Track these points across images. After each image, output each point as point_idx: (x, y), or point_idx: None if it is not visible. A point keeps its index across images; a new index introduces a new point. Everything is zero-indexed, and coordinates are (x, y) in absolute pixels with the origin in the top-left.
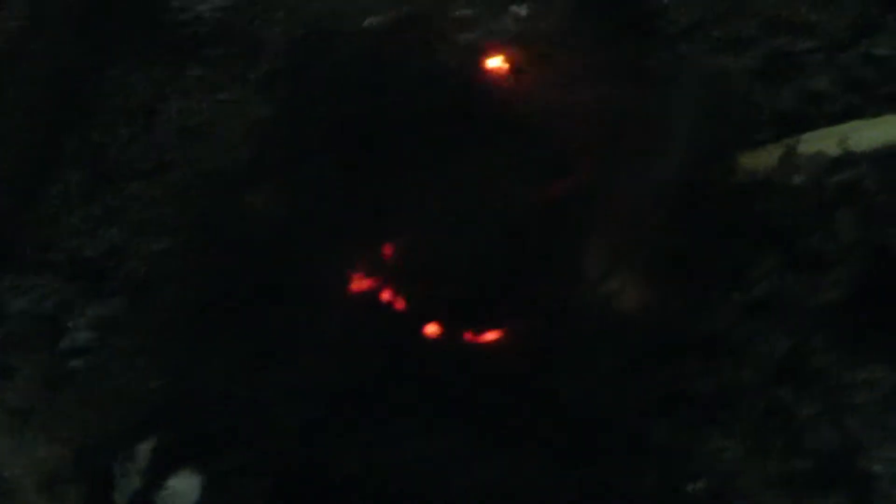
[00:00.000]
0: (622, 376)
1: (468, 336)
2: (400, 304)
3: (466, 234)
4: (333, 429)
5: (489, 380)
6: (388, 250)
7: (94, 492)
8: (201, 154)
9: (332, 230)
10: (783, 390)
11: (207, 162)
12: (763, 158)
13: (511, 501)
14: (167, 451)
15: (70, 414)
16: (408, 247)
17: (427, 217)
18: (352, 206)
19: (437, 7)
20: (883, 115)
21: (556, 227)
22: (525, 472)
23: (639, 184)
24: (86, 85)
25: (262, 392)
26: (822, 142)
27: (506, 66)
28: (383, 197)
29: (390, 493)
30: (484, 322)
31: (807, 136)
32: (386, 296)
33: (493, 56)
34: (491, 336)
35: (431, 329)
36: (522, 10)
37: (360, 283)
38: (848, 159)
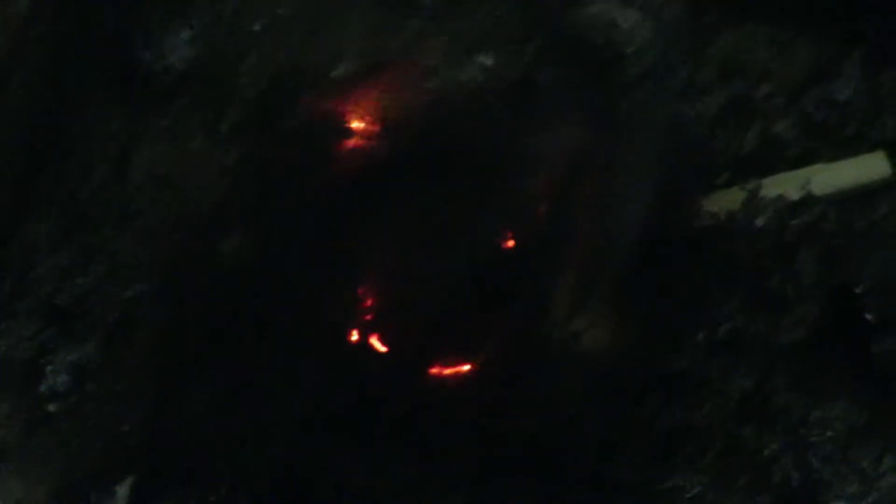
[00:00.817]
0: (583, 413)
1: (437, 371)
2: (371, 343)
3: (435, 274)
4: (307, 466)
5: (456, 414)
6: (358, 291)
7: None
8: (171, 201)
9: (302, 275)
10: (746, 428)
11: (177, 209)
12: (726, 201)
13: None
14: (145, 491)
15: (47, 457)
16: (378, 287)
17: (396, 259)
18: (321, 250)
19: (404, 55)
20: (842, 159)
21: (521, 268)
22: (494, 500)
23: (603, 226)
24: (56, 133)
25: (235, 433)
26: (783, 185)
27: (471, 113)
28: (352, 241)
29: None
30: (452, 357)
31: (768, 179)
32: (357, 335)
33: (459, 104)
34: (458, 371)
35: (402, 365)
36: (488, 60)
37: (331, 324)
38: (809, 202)
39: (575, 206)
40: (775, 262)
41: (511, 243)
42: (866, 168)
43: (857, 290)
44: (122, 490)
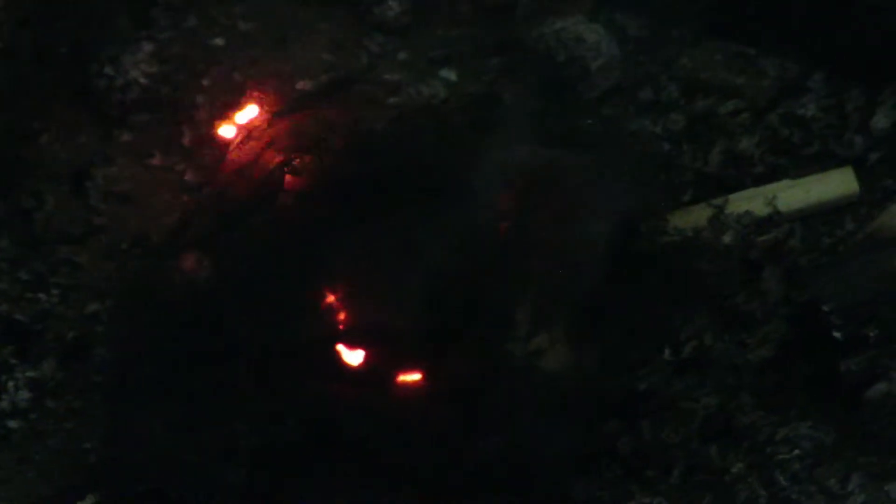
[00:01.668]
0: (547, 433)
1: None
2: (331, 363)
3: (398, 291)
4: (262, 485)
5: (417, 435)
6: (319, 310)
7: None
8: (130, 219)
9: (261, 294)
10: (711, 447)
11: (136, 227)
12: (692, 218)
13: None
14: None
15: (7, 476)
16: (339, 305)
17: (358, 276)
18: (281, 269)
19: (368, 71)
20: (808, 176)
21: (483, 284)
22: None
23: (567, 243)
24: (13, 151)
25: (191, 456)
26: (749, 202)
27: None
28: (313, 259)
29: None
30: (413, 375)
31: (734, 196)
32: (317, 355)
33: (423, 120)
34: (420, 390)
35: (363, 384)
36: (452, 75)
37: (290, 344)
38: (775, 219)
39: (538, 223)
40: (741, 280)
41: (473, 259)
42: (833, 184)
43: (825, 308)
44: None
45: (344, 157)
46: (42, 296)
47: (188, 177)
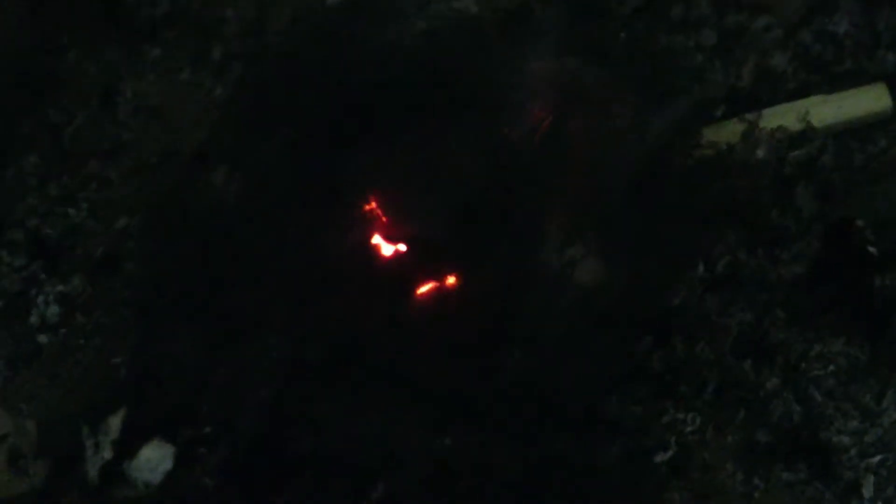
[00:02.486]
0: (576, 350)
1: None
2: (362, 277)
3: (432, 202)
4: (291, 402)
5: (443, 354)
6: (351, 224)
7: (61, 465)
8: (158, 134)
9: (290, 207)
10: (745, 363)
11: (165, 142)
12: (725, 133)
13: (467, 475)
14: (137, 423)
15: (37, 390)
16: (373, 218)
17: (392, 188)
18: (312, 182)
19: None
20: (840, 92)
21: (517, 195)
22: (480, 445)
23: (600, 157)
24: (42, 67)
25: (222, 367)
26: (782, 117)
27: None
28: (345, 172)
29: (346, 465)
30: (446, 285)
31: (767, 111)
32: (346, 267)
33: (454, 32)
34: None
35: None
36: None
37: (321, 259)
38: (808, 134)
39: (571, 136)
40: (775, 195)
41: (506, 171)
42: (866, 100)
43: (859, 224)
44: (115, 422)
45: (373, 69)
46: (71, 211)
47: (217, 91)
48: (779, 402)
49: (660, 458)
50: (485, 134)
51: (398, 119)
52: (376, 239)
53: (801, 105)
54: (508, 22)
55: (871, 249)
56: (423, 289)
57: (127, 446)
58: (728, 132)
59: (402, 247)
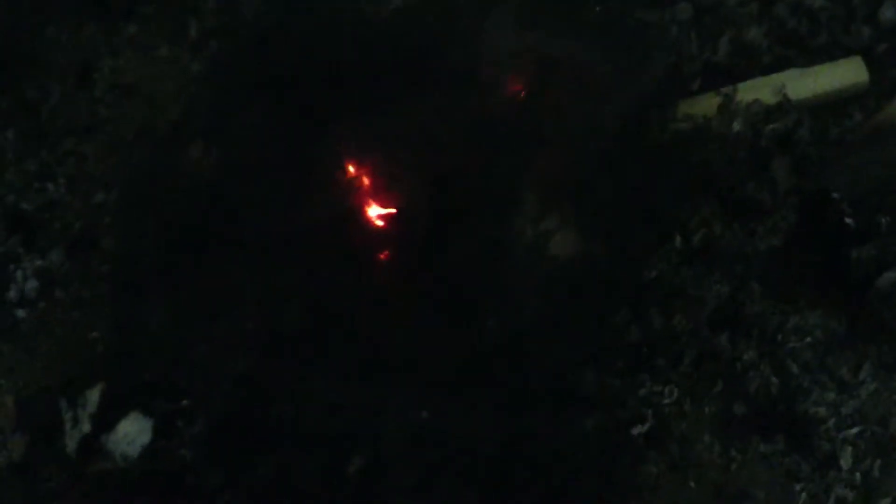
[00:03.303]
0: (552, 322)
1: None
2: (336, 249)
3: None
4: (268, 374)
5: (419, 326)
6: (325, 198)
7: (39, 440)
8: (135, 111)
9: (265, 180)
10: (721, 336)
11: (142, 118)
12: (701, 106)
13: (446, 441)
14: (115, 396)
15: (15, 364)
16: (346, 193)
17: (366, 162)
18: (287, 158)
19: None
20: (816, 66)
21: (492, 165)
22: (457, 417)
23: (576, 128)
24: (20, 45)
25: (199, 340)
26: (758, 91)
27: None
28: (320, 147)
29: (323, 437)
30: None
31: (743, 85)
32: (321, 240)
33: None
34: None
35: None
36: None
37: (294, 233)
38: (784, 107)
39: (546, 108)
40: (750, 169)
41: (482, 143)
42: (842, 73)
43: (835, 196)
44: (93, 396)
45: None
46: (49, 186)
47: (194, 68)
48: (756, 374)
49: (637, 430)
50: (460, 106)
51: (373, 92)
52: (352, 210)
53: (776, 79)
54: None
55: (848, 221)
56: (399, 259)
57: (105, 420)
58: (704, 106)
59: (379, 218)
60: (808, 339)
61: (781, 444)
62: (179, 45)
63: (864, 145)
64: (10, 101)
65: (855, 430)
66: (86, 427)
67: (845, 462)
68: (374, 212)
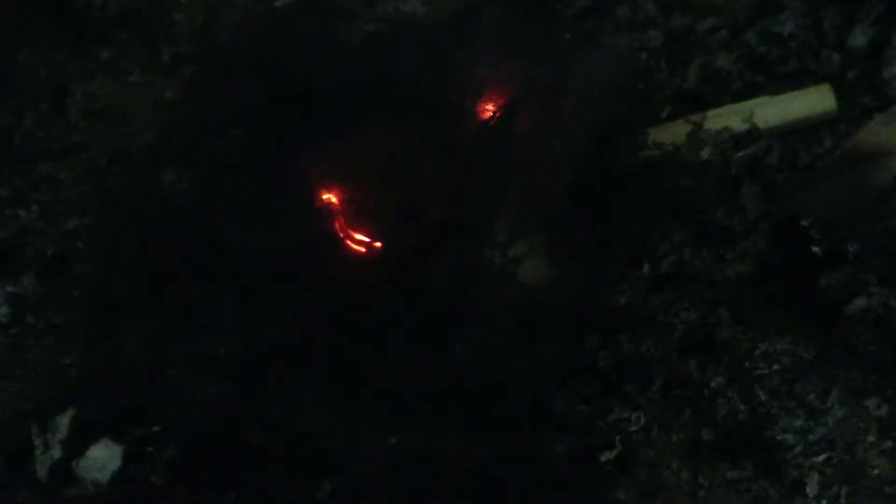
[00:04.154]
0: (522, 347)
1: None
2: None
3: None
4: (239, 409)
5: (391, 347)
6: (298, 224)
7: (11, 464)
8: (109, 136)
9: (239, 204)
10: (690, 362)
11: (115, 143)
12: (670, 133)
13: (416, 466)
14: (86, 422)
15: None
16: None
17: (339, 187)
18: (260, 183)
19: None
20: (785, 93)
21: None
22: (429, 437)
23: (544, 155)
24: None
25: (171, 365)
26: (727, 118)
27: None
28: (293, 172)
29: (296, 459)
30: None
31: (713, 112)
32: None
33: (401, 34)
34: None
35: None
36: None
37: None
38: (753, 135)
39: (517, 135)
40: (720, 196)
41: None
42: (811, 101)
43: (804, 223)
44: (63, 421)
45: (322, 70)
46: (22, 212)
47: (167, 93)
48: (724, 400)
49: (605, 456)
50: (431, 132)
51: (346, 118)
52: (326, 235)
53: (746, 106)
54: (455, 23)
55: (816, 249)
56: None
57: (76, 445)
58: (673, 133)
59: (351, 243)
60: (776, 366)
61: (749, 471)
62: (152, 71)
63: (835, 172)
64: None
65: (822, 457)
66: (56, 453)
67: (812, 489)
68: (347, 237)
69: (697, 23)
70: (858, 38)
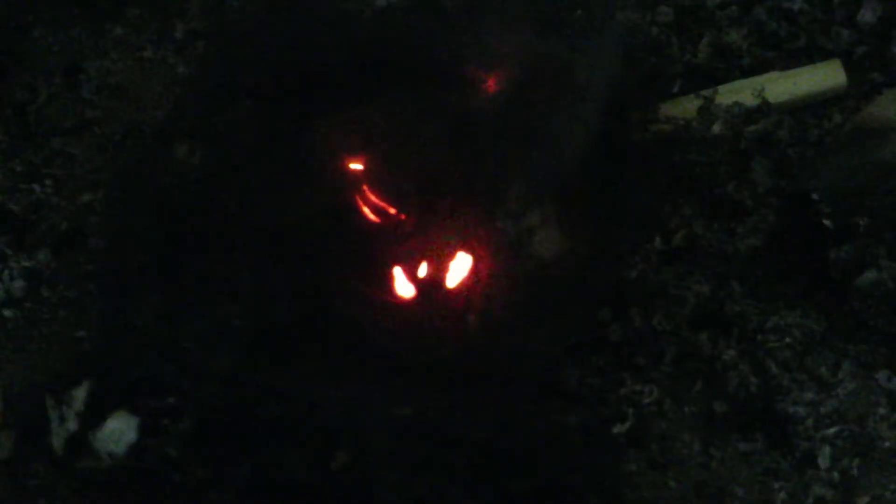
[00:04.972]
0: (533, 319)
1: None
2: (323, 249)
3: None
4: (252, 381)
5: (402, 323)
6: (313, 196)
7: (26, 437)
8: (123, 111)
9: (252, 176)
10: (702, 335)
11: (129, 118)
12: (682, 108)
13: (430, 438)
14: (102, 394)
15: (2, 363)
16: (332, 191)
17: (352, 160)
18: (273, 157)
19: None
20: (795, 68)
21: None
22: (439, 414)
23: (557, 127)
24: (6, 45)
25: (185, 337)
26: (738, 93)
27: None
28: (307, 144)
29: (309, 434)
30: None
31: (724, 87)
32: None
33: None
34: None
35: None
36: None
37: (282, 231)
38: (764, 109)
39: (529, 107)
40: (731, 170)
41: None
42: (821, 76)
43: (814, 197)
44: (79, 394)
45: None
46: (36, 187)
47: (180, 69)
48: (735, 373)
49: (618, 428)
50: (443, 105)
51: (358, 91)
52: (339, 206)
53: (756, 81)
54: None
55: (826, 222)
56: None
57: (91, 418)
58: (685, 108)
59: (366, 214)
60: (788, 339)
61: (761, 443)
62: (165, 47)
63: (844, 147)
64: None
65: (833, 430)
66: (72, 425)
67: (823, 461)
68: (360, 207)
69: None
70: (867, 15)
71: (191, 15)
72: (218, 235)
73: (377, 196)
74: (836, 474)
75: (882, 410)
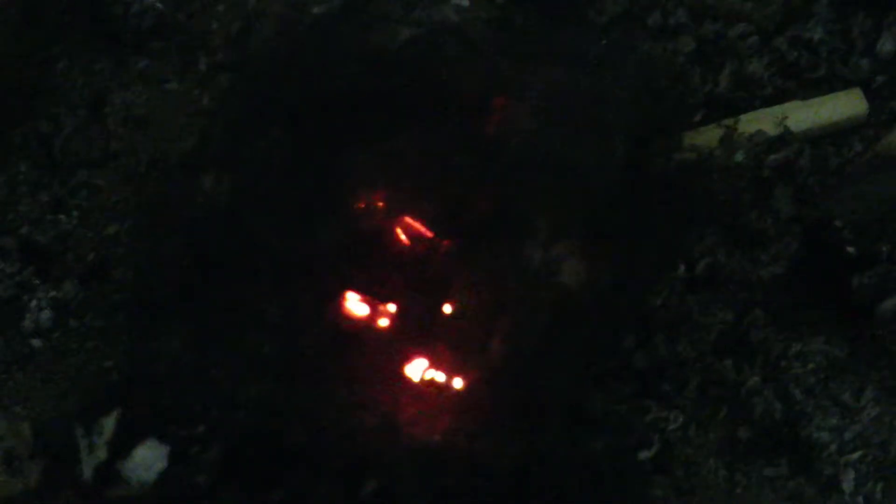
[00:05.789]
0: (559, 347)
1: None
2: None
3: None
4: (283, 398)
5: (426, 346)
6: (337, 227)
7: (55, 466)
8: (147, 142)
9: (279, 209)
10: (726, 362)
11: (153, 150)
12: (703, 138)
13: (454, 465)
14: (131, 423)
15: (30, 392)
16: (357, 223)
17: (378, 192)
18: (299, 188)
19: None
20: (816, 98)
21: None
22: (468, 438)
23: (581, 158)
24: (31, 77)
25: (210, 373)
26: (760, 122)
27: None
28: (332, 176)
29: (338, 461)
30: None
31: (745, 116)
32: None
33: (435, 42)
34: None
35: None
36: (464, 1)
37: (307, 262)
38: (786, 138)
39: (553, 138)
40: (753, 198)
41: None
42: (842, 105)
43: (837, 224)
44: (109, 423)
45: (359, 75)
46: (62, 217)
47: (204, 101)
48: (759, 399)
49: (644, 455)
50: (469, 135)
51: (385, 121)
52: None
53: (778, 110)
54: (489, 29)
55: (849, 249)
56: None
57: (121, 446)
58: (707, 137)
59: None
60: (811, 365)
61: (785, 468)
62: (189, 79)
63: (865, 175)
64: (22, 134)
65: (857, 455)
66: (102, 454)
67: (847, 486)
68: (389, 236)
69: (728, 29)
70: (887, 44)
71: (215, 48)
72: (245, 264)
73: (403, 226)
74: (860, 499)
75: None
